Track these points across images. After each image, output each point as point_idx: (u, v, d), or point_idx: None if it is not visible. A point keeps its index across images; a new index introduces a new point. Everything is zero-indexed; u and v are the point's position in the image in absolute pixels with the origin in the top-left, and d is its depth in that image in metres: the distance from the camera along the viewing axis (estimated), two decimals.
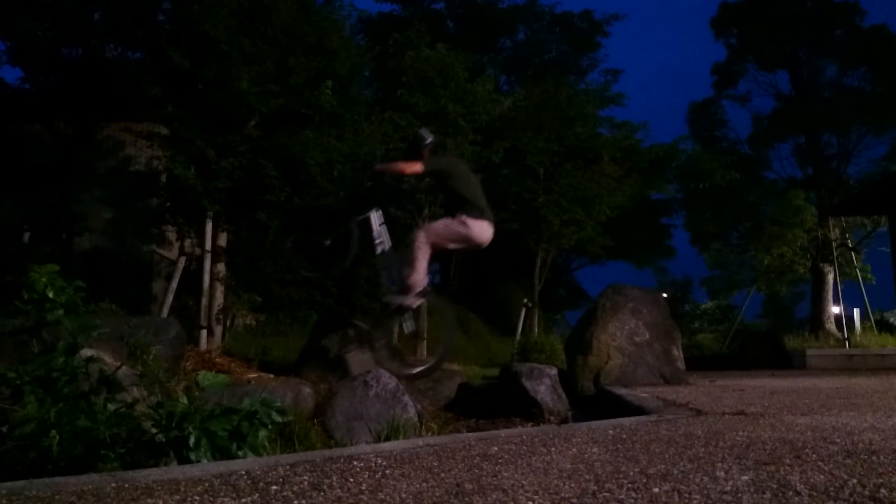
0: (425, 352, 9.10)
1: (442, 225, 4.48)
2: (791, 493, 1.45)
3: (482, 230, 4.50)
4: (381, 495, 1.50)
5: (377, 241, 4.57)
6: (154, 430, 2.33)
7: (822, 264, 16.92)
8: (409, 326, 4.70)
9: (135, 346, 3.61)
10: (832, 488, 1.49)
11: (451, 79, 9.99)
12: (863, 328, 14.35)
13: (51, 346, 2.62)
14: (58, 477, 1.88)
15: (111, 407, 2.43)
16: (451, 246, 4.56)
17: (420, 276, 4.41)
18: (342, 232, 4.62)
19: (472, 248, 4.66)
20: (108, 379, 2.51)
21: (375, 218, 4.62)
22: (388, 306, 4.51)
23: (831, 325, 16.40)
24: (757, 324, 25.28)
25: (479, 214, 4.46)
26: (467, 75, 10.29)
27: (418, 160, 4.48)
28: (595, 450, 2.08)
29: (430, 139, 4.61)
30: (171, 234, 8.62)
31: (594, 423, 2.87)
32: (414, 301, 4.46)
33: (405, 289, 4.42)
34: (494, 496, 1.48)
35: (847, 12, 18.29)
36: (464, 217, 4.42)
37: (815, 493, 1.44)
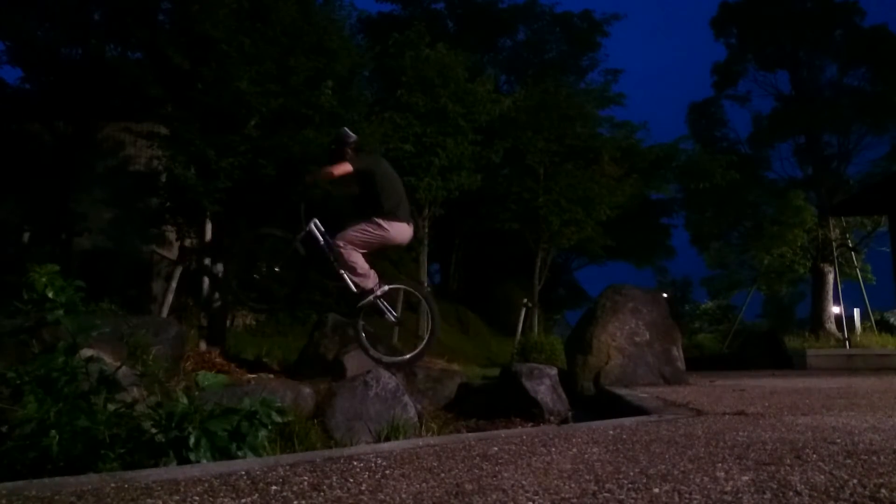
0: None
1: (358, 231, 4.47)
2: (791, 493, 1.45)
3: (400, 231, 4.53)
4: (381, 495, 1.50)
5: (328, 250, 4.56)
6: (154, 430, 2.33)
7: (822, 264, 16.92)
8: (392, 315, 4.69)
9: (135, 346, 3.61)
10: (832, 488, 1.49)
11: (451, 79, 10.00)
12: (863, 328, 14.36)
13: (51, 346, 2.62)
14: (58, 477, 1.88)
15: (111, 407, 2.43)
16: (372, 248, 4.56)
17: (363, 269, 4.48)
18: (289, 254, 4.63)
19: (394, 248, 4.73)
20: (108, 379, 2.51)
21: (316, 229, 4.62)
22: (356, 298, 4.54)
23: (831, 326, 16.41)
24: (757, 324, 25.29)
25: (396, 216, 4.48)
26: (467, 75, 10.30)
27: (344, 160, 4.49)
28: (595, 450, 2.08)
29: (353, 137, 4.63)
30: (171, 234, 8.62)
31: (594, 424, 2.87)
32: (376, 285, 4.52)
33: (360, 285, 4.51)
34: (494, 496, 1.48)
35: (847, 12, 18.30)
36: (378, 220, 4.45)
37: (815, 494, 1.44)
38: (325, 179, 4.58)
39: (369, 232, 4.47)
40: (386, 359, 4.56)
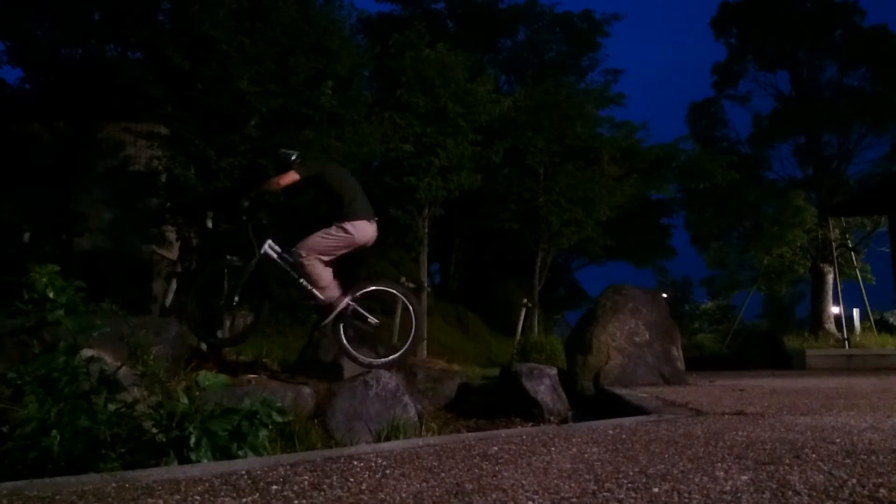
0: (425, 352, 9.11)
1: (320, 237, 4.37)
2: (790, 492, 1.45)
3: (364, 231, 4.45)
4: (382, 495, 1.50)
5: (290, 267, 4.45)
6: (154, 430, 2.33)
7: (821, 264, 16.93)
8: (371, 319, 4.55)
9: (135, 346, 3.60)
10: (832, 488, 1.49)
11: (451, 79, 10.00)
12: (862, 328, 14.36)
13: (51, 346, 2.62)
14: (58, 477, 1.88)
15: (112, 407, 2.43)
16: (337, 253, 4.44)
17: (326, 283, 4.35)
18: (247, 281, 4.52)
19: (360, 249, 4.59)
20: (109, 379, 2.51)
21: (271, 250, 4.51)
22: (324, 312, 4.39)
23: (831, 326, 16.42)
24: (757, 324, 25.32)
25: (356, 215, 4.41)
26: (467, 75, 10.29)
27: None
28: (595, 450, 2.09)
29: (293, 155, 4.57)
30: (171, 234, 8.62)
31: (594, 423, 2.87)
32: (339, 300, 4.38)
33: (326, 297, 4.36)
34: (494, 496, 1.48)
35: (847, 12, 18.32)
36: (342, 223, 4.36)
37: (814, 493, 1.44)
38: (270, 189, 4.45)
39: (331, 236, 4.37)
40: (366, 360, 4.44)
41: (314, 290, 4.35)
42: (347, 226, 4.37)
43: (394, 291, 4.81)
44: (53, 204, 9.20)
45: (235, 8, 6.88)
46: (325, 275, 4.37)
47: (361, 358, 4.47)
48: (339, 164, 4.92)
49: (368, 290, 4.62)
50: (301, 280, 4.38)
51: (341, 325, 4.47)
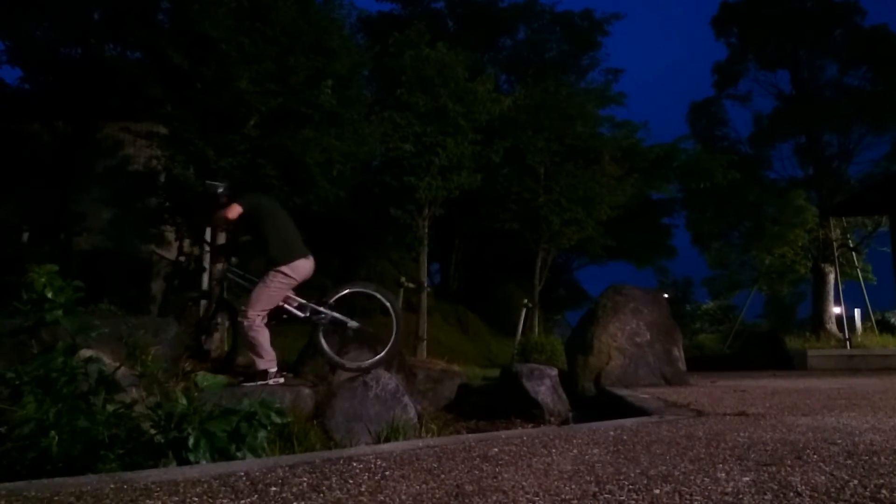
0: (425, 352, 9.10)
1: (262, 289, 4.19)
2: (792, 494, 1.45)
3: (302, 268, 4.30)
4: (381, 497, 1.50)
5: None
6: (153, 431, 2.33)
7: (823, 264, 16.92)
8: (350, 323, 4.47)
9: (134, 346, 3.60)
10: (833, 489, 1.48)
11: (451, 78, 9.98)
12: (864, 328, 14.36)
13: (50, 347, 2.61)
14: (57, 477, 1.88)
15: (110, 407, 2.42)
16: (283, 297, 4.31)
17: (266, 350, 4.16)
18: (216, 308, 4.54)
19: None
20: (107, 379, 2.50)
21: (229, 275, 4.49)
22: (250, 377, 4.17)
23: (832, 326, 16.40)
24: (758, 324, 25.28)
25: (293, 255, 4.25)
26: (467, 75, 10.28)
27: (228, 204, 4.27)
28: (596, 451, 2.08)
29: (221, 187, 4.42)
30: (171, 234, 8.62)
31: (595, 425, 2.86)
32: (278, 378, 4.15)
33: (258, 365, 4.14)
34: (495, 498, 1.47)
35: (847, 12, 18.29)
36: (279, 269, 4.20)
37: (815, 494, 1.44)
38: (221, 224, 4.34)
39: (272, 283, 4.19)
40: (347, 364, 4.41)
41: (255, 360, 4.16)
42: (285, 269, 4.21)
43: (371, 293, 4.65)
44: (53, 204, 9.19)
45: (235, 7, 6.88)
46: (266, 342, 4.18)
47: (343, 362, 4.43)
48: (270, 198, 4.73)
49: (343, 293, 4.54)
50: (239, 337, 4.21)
51: (320, 333, 4.42)
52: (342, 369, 4.41)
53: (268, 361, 4.16)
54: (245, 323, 4.14)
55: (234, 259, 4.63)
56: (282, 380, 4.17)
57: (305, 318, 4.42)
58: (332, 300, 4.48)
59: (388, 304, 4.59)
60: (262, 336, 4.17)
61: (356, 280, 4.74)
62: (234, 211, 4.24)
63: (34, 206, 9.06)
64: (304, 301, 4.45)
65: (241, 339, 4.31)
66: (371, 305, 4.75)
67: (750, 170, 17.90)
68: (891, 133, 17.94)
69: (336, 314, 4.48)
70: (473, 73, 10.72)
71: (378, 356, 4.50)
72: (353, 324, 4.51)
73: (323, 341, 4.43)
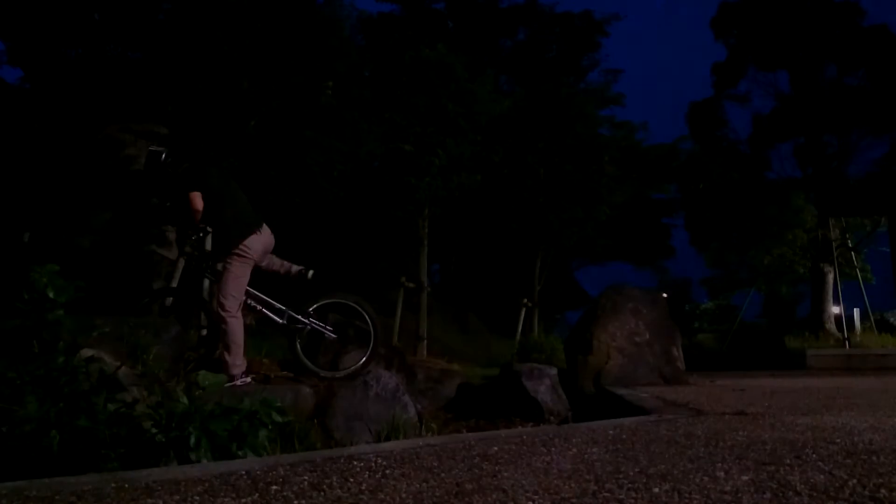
0: (425, 352, 9.10)
1: (229, 276, 4.00)
2: (791, 493, 1.45)
3: (261, 242, 4.12)
4: (382, 495, 1.50)
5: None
6: (154, 430, 2.33)
7: (822, 264, 16.91)
8: (328, 331, 4.47)
9: (135, 345, 3.60)
10: (832, 488, 1.49)
11: (451, 78, 9.99)
12: (863, 328, 14.37)
13: (51, 346, 2.62)
14: (58, 477, 1.88)
15: (111, 407, 2.43)
16: (249, 274, 4.14)
17: (240, 357, 4.01)
18: (183, 300, 4.54)
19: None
20: (109, 379, 2.51)
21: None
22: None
23: (831, 325, 16.40)
24: (757, 324, 25.27)
25: (249, 229, 4.05)
26: (467, 75, 10.29)
27: (190, 186, 4.01)
28: (595, 450, 2.08)
29: (164, 152, 4.19)
30: (171, 234, 8.61)
31: (594, 424, 2.87)
32: (245, 379, 4.00)
33: (230, 367, 3.96)
34: (494, 496, 1.48)
35: (847, 12, 18.30)
36: (240, 248, 4.00)
37: (815, 494, 1.44)
38: (196, 215, 4.00)
39: (236, 268, 3.99)
40: (323, 373, 4.38)
41: (226, 356, 3.98)
42: (242, 249, 4.01)
43: (349, 303, 4.58)
44: (53, 204, 9.19)
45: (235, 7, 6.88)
46: (240, 339, 4.02)
47: (318, 370, 4.41)
48: (220, 169, 4.36)
49: (322, 304, 4.52)
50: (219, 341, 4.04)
51: (297, 342, 4.41)
52: (317, 378, 4.37)
53: (237, 365, 4.01)
54: (223, 309, 4.00)
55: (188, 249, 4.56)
56: (248, 379, 4.08)
57: (283, 324, 4.39)
58: (310, 309, 4.47)
59: (366, 315, 4.55)
60: (237, 329, 4.02)
61: (336, 290, 4.70)
62: (197, 200, 3.98)
63: (35, 206, 9.06)
64: (282, 307, 4.41)
65: (217, 334, 4.16)
66: (349, 315, 4.73)
67: (749, 170, 17.91)
68: (890, 133, 17.93)
69: (315, 322, 4.47)
70: (473, 73, 10.72)
71: (354, 366, 4.49)
72: (331, 334, 4.52)
73: (299, 349, 4.42)
